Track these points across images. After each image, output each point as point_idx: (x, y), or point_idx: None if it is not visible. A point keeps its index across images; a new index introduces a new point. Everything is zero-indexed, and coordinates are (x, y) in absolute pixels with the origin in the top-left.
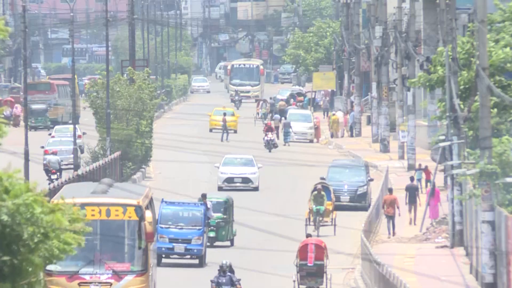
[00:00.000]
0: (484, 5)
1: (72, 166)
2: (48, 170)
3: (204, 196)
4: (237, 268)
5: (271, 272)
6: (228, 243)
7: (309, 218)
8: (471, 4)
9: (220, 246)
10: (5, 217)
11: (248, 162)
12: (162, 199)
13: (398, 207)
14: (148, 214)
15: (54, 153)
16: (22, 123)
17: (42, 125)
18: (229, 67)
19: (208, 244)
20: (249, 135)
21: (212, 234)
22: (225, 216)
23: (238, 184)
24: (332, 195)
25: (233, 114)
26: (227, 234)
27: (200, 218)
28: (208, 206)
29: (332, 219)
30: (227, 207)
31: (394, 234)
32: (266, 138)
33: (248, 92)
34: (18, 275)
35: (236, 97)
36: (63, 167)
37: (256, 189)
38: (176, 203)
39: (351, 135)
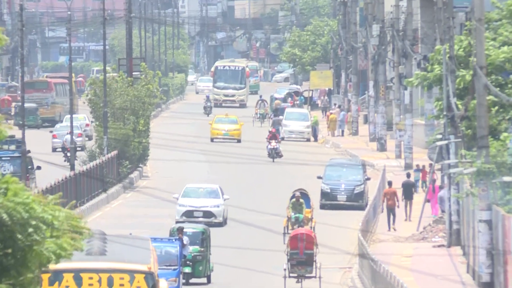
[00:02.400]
0: (481, 4)
1: (79, 148)
2: (64, 148)
3: (180, 230)
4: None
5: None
6: (204, 279)
7: (288, 226)
8: (469, 3)
9: (196, 283)
10: (4, 215)
11: (213, 192)
12: (130, 234)
13: (398, 200)
14: (162, 284)
15: (70, 133)
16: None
17: (33, 123)
18: (212, 69)
19: (183, 281)
20: (251, 141)
21: (187, 270)
22: (202, 249)
23: (200, 219)
24: (311, 202)
25: (236, 122)
26: (204, 270)
27: (175, 257)
28: (185, 242)
29: (311, 227)
30: (204, 238)
31: (394, 229)
32: (269, 146)
33: (233, 96)
34: (22, 269)
35: (208, 103)
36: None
37: (220, 224)
38: None
39: (341, 134)
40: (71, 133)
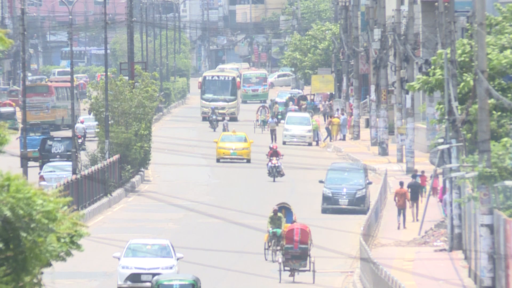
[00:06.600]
0: (482, 8)
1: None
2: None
3: None
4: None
5: None
6: None
7: (268, 242)
8: (470, 7)
9: None
10: (8, 213)
11: (163, 250)
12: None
13: (408, 200)
14: None
15: (82, 122)
16: None
17: (11, 127)
18: (200, 79)
19: None
20: (252, 145)
21: None
22: None
23: (147, 284)
24: (294, 217)
25: (245, 140)
26: None
27: None
28: None
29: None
30: None
31: (404, 227)
32: (270, 164)
33: (223, 108)
34: (22, 270)
35: (214, 116)
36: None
37: None
38: None
39: (343, 138)
40: (73, 152)
